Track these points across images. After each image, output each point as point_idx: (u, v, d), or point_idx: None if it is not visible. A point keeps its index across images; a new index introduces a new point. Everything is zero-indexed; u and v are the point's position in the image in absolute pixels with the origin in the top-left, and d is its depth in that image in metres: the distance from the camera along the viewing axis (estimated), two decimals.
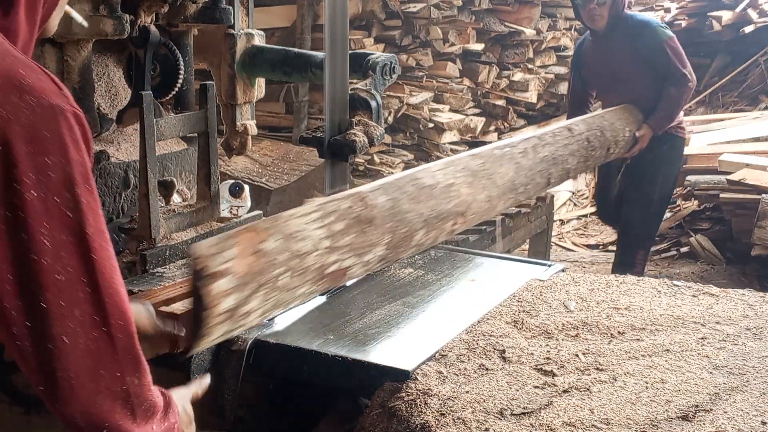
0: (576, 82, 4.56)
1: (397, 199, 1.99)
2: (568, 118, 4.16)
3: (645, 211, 4.37)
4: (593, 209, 7.00)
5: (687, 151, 5.85)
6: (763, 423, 1.62)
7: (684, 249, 5.72)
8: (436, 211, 2.12)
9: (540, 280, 2.38)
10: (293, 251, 1.65)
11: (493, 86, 7.27)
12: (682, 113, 4.41)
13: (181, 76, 2.55)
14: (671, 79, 4.14)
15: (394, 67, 2.45)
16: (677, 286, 2.34)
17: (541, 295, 2.26)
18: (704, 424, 1.62)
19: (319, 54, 2.65)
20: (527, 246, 4.83)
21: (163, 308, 1.72)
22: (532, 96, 7.49)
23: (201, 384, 1.44)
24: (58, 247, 1.03)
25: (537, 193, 3.09)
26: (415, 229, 2.06)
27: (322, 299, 2.26)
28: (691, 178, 5.48)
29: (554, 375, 1.81)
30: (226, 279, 1.50)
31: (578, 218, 6.90)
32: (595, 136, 3.53)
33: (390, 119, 6.62)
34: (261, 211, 2.73)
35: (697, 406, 1.68)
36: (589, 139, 3.42)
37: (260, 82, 2.75)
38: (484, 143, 7.24)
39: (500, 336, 2.00)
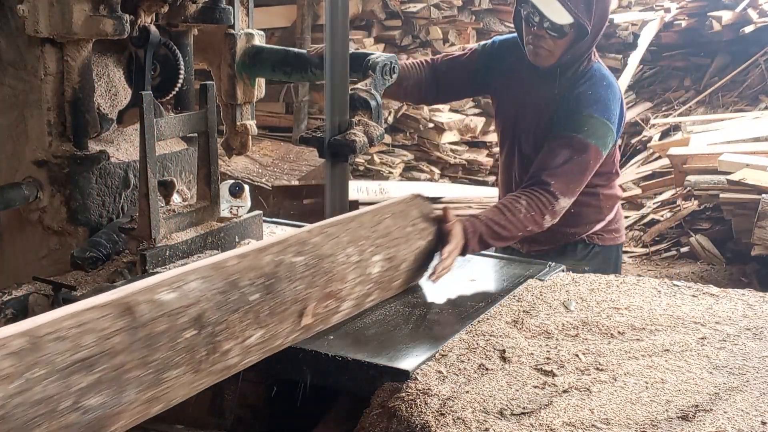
0: (448, 68, 2.91)
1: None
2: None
3: None
4: None
5: (687, 151, 5.86)
6: (763, 423, 1.62)
7: (684, 249, 5.72)
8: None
9: (540, 280, 2.38)
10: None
11: None
12: (608, 220, 2.84)
13: (181, 76, 2.55)
14: (538, 181, 2.51)
15: (394, 67, 2.45)
16: (677, 286, 2.34)
17: (541, 295, 2.26)
18: (704, 424, 1.62)
19: None
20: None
21: None
22: None
23: None
24: None
25: None
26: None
27: None
28: (691, 178, 5.48)
29: (554, 375, 1.81)
30: None
31: None
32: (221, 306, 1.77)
33: (390, 119, 6.63)
34: (261, 211, 2.73)
35: (697, 406, 1.68)
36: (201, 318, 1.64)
37: (260, 82, 2.75)
38: (484, 144, 7.26)
39: (500, 336, 2.00)
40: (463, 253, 2.38)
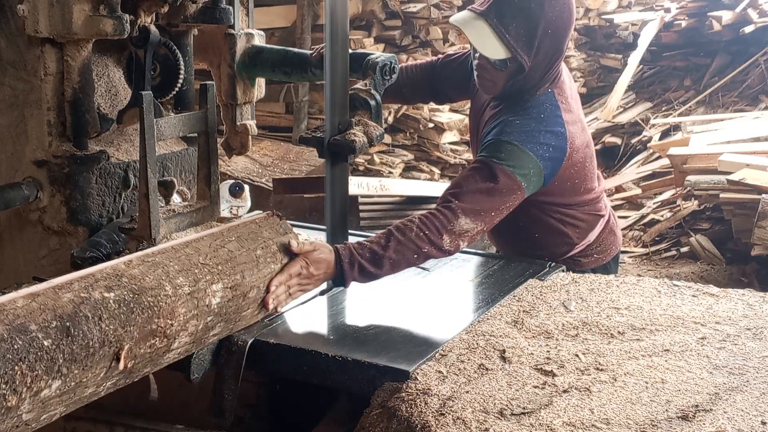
0: (431, 69, 2.84)
1: None
2: None
3: None
4: None
5: (687, 151, 5.86)
6: (763, 423, 1.62)
7: (684, 249, 5.72)
8: None
9: (540, 280, 2.38)
10: None
11: None
12: (579, 248, 2.66)
13: (181, 76, 2.54)
14: (442, 200, 2.34)
15: (394, 67, 2.45)
16: (677, 286, 2.34)
17: (541, 295, 2.26)
18: (704, 424, 1.62)
19: None
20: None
21: None
22: None
23: None
24: None
25: None
26: None
27: (322, 299, 2.26)
28: (691, 178, 5.48)
29: (554, 375, 1.81)
30: None
31: None
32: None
33: (390, 119, 6.62)
34: (260, 211, 2.72)
35: (697, 406, 1.68)
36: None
37: (260, 82, 2.75)
38: None
39: (500, 336, 2.00)
40: (338, 282, 2.18)
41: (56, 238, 2.43)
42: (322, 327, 2.10)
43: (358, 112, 2.33)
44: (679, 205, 6.10)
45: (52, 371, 1.44)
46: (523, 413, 1.65)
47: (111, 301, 1.58)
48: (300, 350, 1.93)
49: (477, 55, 2.48)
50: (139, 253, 1.79)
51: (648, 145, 7.28)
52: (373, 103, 2.33)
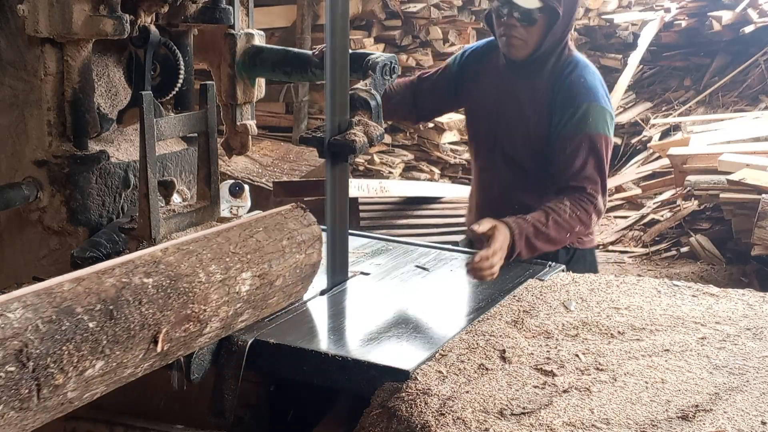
0: (427, 85, 2.89)
1: None
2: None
3: None
4: None
5: (687, 151, 5.86)
6: (763, 423, 1.62)
7: (684, 249, 5.72)
8: None
9: (540, 280, 2.38)
10: None
11: None
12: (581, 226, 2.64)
13: (181, 76, 2.55)
14: (569, 187, 2.55)
15: (394, 67, 2.44)
16: (677, 286, 2.34)
17: (541, 295, 2.26)
18: (704, 424, 1.62)
19: None
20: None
21: None
22: None
23: None
24: None
25: None
26: None
27: (322, 299, 2.26)
28: (691, 178, 5.48)
29: (554, 375, 1.81)
30: None
31: None
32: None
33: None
34: (260, 211, 2.72)
35: (697, 406, 1.68)
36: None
37: (260, 82, 2.75)
38: None
39: (500, 336, 2.00)
40: (510, 255, 2.35)
41: (56, 238, 2.43)
42: (322, 327, 2.10)
43: (359, 112, 2.33)
44: (679, 205, 6.10)
45: (96, 352, 1.50)
46: (523, 413, 1.65)
47: (150, 287, 1.64)
48: (300, 350, 1.93)
49: (504, 19, 2.58)
50: (174, 242, 1.84)
51: (648, 145, 7.28)
52: (373, 103, 2.33)
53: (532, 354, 1.91)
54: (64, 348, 1.44)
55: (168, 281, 1.69)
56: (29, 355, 1.40)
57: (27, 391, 1.39)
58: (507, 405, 1.68)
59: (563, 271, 2.50)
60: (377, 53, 2.48)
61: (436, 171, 6.78)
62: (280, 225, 2.08)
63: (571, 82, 2.59)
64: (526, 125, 2.65)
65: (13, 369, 1.37)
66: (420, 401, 1.70)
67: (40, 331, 1.42)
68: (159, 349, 1.65)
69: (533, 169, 2.68)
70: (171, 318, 1.67)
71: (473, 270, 2.27)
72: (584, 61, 2.68)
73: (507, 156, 2.71)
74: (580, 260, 2.80)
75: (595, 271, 2.87)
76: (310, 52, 2.65)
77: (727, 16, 7.76)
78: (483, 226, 2.31)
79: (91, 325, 1.50)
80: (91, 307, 1.52)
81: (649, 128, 7.54)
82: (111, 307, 1.54)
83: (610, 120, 2.61)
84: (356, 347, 1.96)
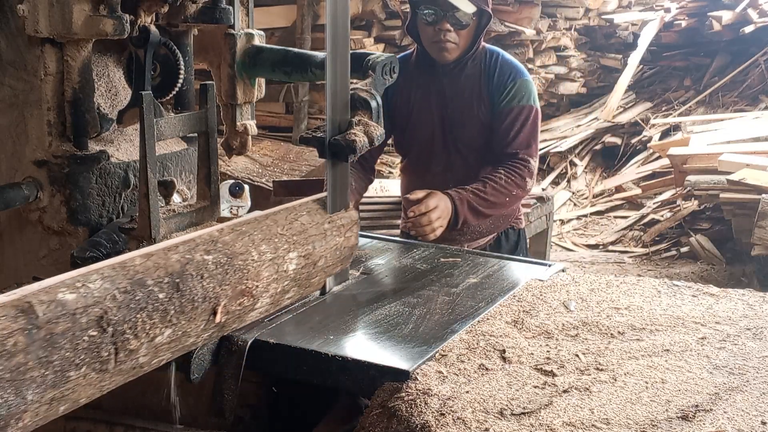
0: None
1: None
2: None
3: None
4: (593, 209, 7.01)
5: (687, 151, 5.86)
6: (763, 423, 1.62)
7: (684, 249, 5.72)
8: None
9: (540, 280, 2.38)
10: None
11: None
12: (519, 205, 3.12)
13: (182, 76, 2.54)
14: (504, 155, 2.87)
15: (394, 66, 2.44)
16: (677, 286, 2.34)
17: (541, 295, 2.26)
18: (704, 424, 1.62)
19: (320, 54, 2.65)
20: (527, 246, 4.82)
21: None
22: None
23: None
24: None
25: None
26: None
27: (322, 299, 2.26)
28: (691, 178, 5.48)
29: (554, 375, 1.81)
30: None
31: (578, 218, 6.91)
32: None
33: None
34: (260, 210, 2.72)
35: (697, 406, 1.68)
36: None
37: (260, 82, 2.74)
38: None
39: (500, 336, 2.00)
40: (455, 222, 2.65)
41: (56, 238, 2.43)
42: (322, 327, 2.10)
43: (359, 112, 2.33)
44: (679, 205, 6.11)
45: (165, 320, 1.65)
46: (523, 413, 1.65)
47: (210, 263, 1.78)
48: (300, 350, 1.93)
49: (437, 26, 2.80)
50: (228, 223, 1.97)
51: (648, 145, 7.29)
52: (373, 103, 2.33)
53: (532, 354, 1.91)
54: (137, 316, 1.58)
55: (225, 258, 1.83)
56: (108, 321, 1.52)
57: (106, 354, 1.52)
58: (507, 405, 1.68)
59: (563, 271, 2.50)
60: (377, 53, 2.48)
61: None
62: (322, 210, 2.22)
63: (500, 66, 2.90)
64: (476, 115, 2.92)
65: (95, 333, 1.50)
66: (420, 401, 1.70)
67: (117, 300, 1.55)
68: (218, 320, 1.80)
69: (487, 152, 2.96)
70: (228, 292, 1.81)
71: (413, 226, 2.54)
72: (492, 48, 2.99)
73: (461, 150, 2.97)
74: (521, 241, 3.17)
75: (526, 253, 3.21)
76: (310, 53, 2.65)
77: (727, 16, 7.76)
78: (418, 193, 2.60)
79: (160, 296, 1.64)
80: (160, 279, 1.65)
81: (649, 128, 7.54)
82: (177, 280, 1.68)
83: (535, 91, 2.98)
84: (356, 347, 1.96)
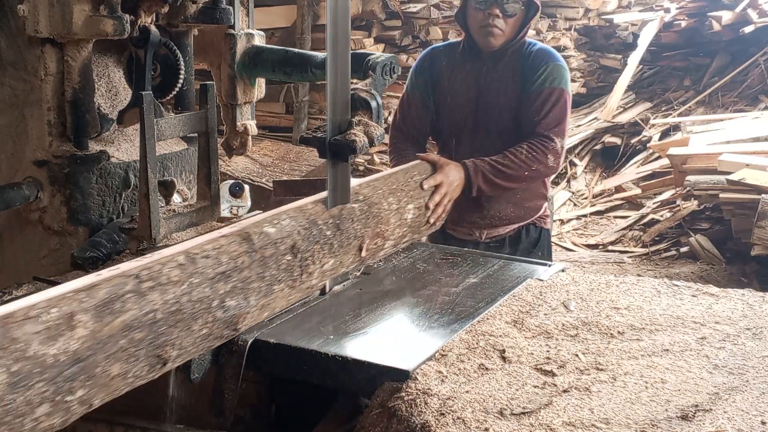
0: (417, 112, 3.16)
1: None
2: (396, 163, 2.95)
3: None
4: (593, 209, 7.01)
5: (687, 151, 5.86)
6: (763, 423, 1.62)
7: (684, 249, 5.72)
8: None
9: (540, 280, 2.38)
10: None
11: None
12: (546, 204, 3.17)
13: (182, 76, 2.55)
14: (531, 133, 2.90)
15: (394, 67, 2.45)
16: (677, 286, 2.34)
17: (541, 295, 2.27)
18: (704, 424, 1.62)
19: (320, 54, 2.65)
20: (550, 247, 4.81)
21: None
22: None
23: None
24: None
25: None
26: None
27: (322, 299, 2.26)
28: (691, 178, 5.48)
29: (554, 375, 1.81)
30: None
31: (578, 218, 6.91)
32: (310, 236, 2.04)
33: (390, 119, 6.63)
34: (260, 211, 2.72)
35: (697, 406, 1.68)
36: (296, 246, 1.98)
37: (260, 82, 2.75)
38: None
39: (500, 336, 2.00)
40: (469, 191, 2.74)
41: (56, 238, 2.43)
42: (322, 327, 2.10)
43: (359, 112, 2.32)
44: (678, 205, 6.10)
45: (331, 252, 2.10)
46: (523, 413, 1.65)
47: (356, 210, 2.21)
48: (300, 350, 1.93)
49: (486, 12, 2.90)
50: (363, 180, 2.38)
51: (648, 145, 7.29)
52: (373, 103, 2.33)
53: (532, 354, 1.91)
54: (315, 247, 2.03)
55: (366, 206, 2.25)
56: (298, 249, 1.98)
57: (297, 273, 1.98)
58: (507, 405, 1.68)
59: (563, 271, 2.51)
60: (377, 53, 2.49)
61: None
62: (426, 171, 2.64)
63: (535, 52, 3.00)
64: (508, 98, 2.99)
65: (290, 258, 1.95)
66: (420, 401, 1.70)
67: (301, 234, 2.00)
68: (363, 254, 2.24)
69: (516, 135, 2.98)
70: (369, 233, 2.25)
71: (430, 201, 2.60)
72: (533, 39, 3.10)
73: (491, 133, 3.01)
74: (543, 240, 3.16)
75: (551, 253, 3.26)
76: (310, 53, 2.65)
77: (726, 16, 7.76)
78: (430, 182, 2.61)
79: (328, 233, 2.08)
80: (326, 221, 2.09)
81: (649, 128, 7.54)
82: (337, 221, 2.13)
83: (568, 76, 3.03)
84: (356, 347, 1.96)
